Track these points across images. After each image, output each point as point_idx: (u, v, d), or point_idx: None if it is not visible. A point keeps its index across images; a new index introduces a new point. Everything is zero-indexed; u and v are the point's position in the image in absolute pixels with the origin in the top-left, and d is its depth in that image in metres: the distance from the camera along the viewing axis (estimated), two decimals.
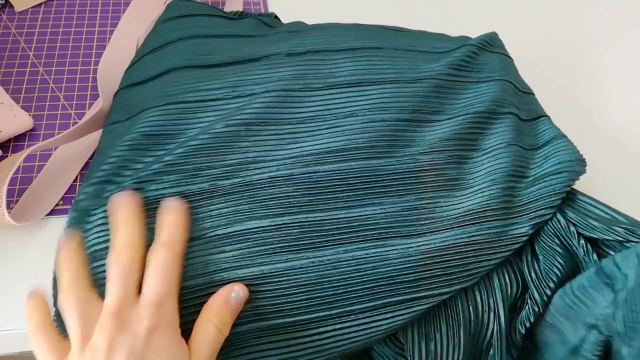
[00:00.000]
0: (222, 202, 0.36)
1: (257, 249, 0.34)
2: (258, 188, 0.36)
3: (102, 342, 0.29)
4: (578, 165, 0.40)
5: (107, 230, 0.34)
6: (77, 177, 0.44)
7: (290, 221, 0.35)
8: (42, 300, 0.34)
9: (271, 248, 0.34)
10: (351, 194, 0.37)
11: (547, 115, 0.45)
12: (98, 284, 0.33)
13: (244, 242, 0.34)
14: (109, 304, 0.31)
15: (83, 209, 0.35)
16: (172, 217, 0.34)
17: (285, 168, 0.37)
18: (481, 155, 0.40)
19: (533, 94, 0.47)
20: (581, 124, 0.51)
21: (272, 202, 0.36)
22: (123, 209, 0.34)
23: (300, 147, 0.38)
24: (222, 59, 0.42)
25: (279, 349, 0.34)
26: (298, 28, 0.47)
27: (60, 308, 0.32)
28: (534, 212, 0.38)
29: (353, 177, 0.37)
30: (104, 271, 0.33)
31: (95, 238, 0.34)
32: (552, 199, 0.38)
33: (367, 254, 0.35)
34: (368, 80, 0.41)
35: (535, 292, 0.36)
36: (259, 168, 0.37)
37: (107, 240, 0.34)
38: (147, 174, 0.36)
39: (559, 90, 0.54)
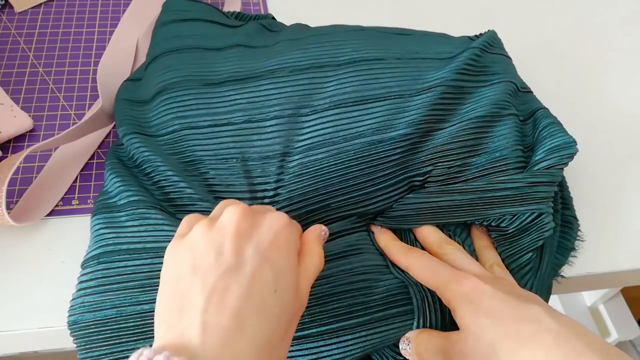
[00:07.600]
0: None
1: None
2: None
3: (230, 226, 0.29)
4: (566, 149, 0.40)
5: None
6: (77, 177, 0.44)
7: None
8: None
9: None
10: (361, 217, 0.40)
11: (544, 108, 0.44)
12: None
13: None
14: (240, 204, 0.31)
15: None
16: None
17: (303, 204, 0.38)
18: (485, 161, 0.40)
19: (532, 92, 0.46)
20: (579, 123, 0.51)
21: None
22: None
23: (313, 181, 0.39)
24: (225, 76, 0.42)
25: (307, 356, 0.35)
26: (297, 35, 0.46)
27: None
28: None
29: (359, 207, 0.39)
30: None
31: None
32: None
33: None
34: (372, 96, 0.41)
35: None
36: (278, 203, 0.39)
37: None
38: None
39: (556, 89, 0.54)
